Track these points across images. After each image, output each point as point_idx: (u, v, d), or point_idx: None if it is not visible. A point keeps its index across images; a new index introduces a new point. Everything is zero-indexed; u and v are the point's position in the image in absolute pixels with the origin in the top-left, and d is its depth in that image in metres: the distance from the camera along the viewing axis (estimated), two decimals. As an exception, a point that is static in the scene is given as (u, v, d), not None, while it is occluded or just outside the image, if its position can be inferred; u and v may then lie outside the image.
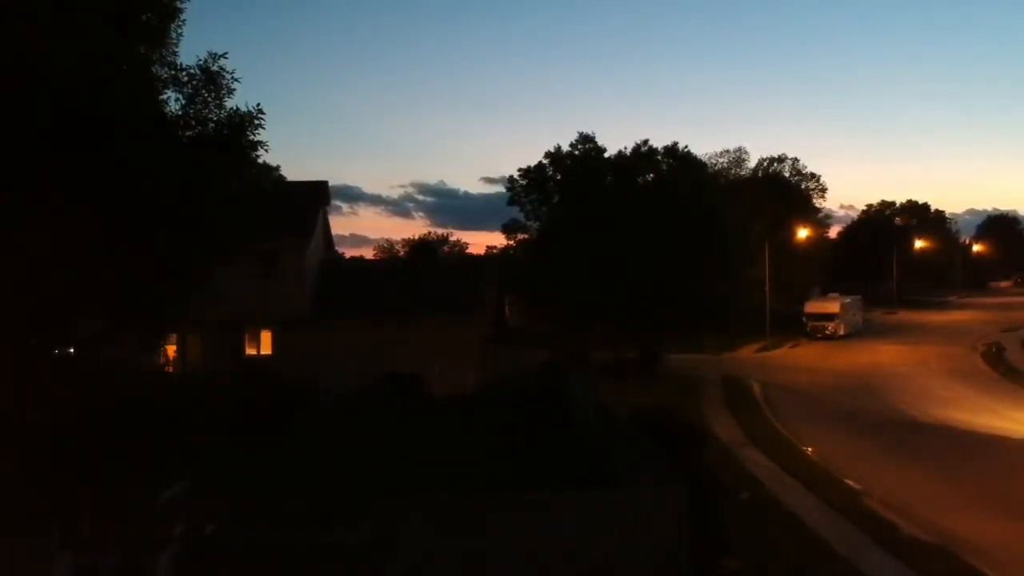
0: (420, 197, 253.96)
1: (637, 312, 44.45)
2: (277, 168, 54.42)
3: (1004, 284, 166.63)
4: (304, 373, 33.22)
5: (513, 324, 63.03)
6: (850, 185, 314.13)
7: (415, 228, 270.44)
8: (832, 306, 67.31)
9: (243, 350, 35.72)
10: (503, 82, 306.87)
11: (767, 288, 62.11)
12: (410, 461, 25.54)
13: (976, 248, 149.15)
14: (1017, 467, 26.82)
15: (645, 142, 48.19)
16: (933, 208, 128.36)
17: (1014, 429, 32.32)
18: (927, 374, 46.12)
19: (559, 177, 47.72)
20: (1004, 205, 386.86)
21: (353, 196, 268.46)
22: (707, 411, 35.37)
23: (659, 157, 48.73)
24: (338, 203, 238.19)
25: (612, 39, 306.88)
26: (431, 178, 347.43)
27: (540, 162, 47.47)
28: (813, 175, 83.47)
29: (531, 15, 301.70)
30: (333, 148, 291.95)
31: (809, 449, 29.29)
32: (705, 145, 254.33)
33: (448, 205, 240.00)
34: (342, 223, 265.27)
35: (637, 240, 43.47)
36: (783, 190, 76.20)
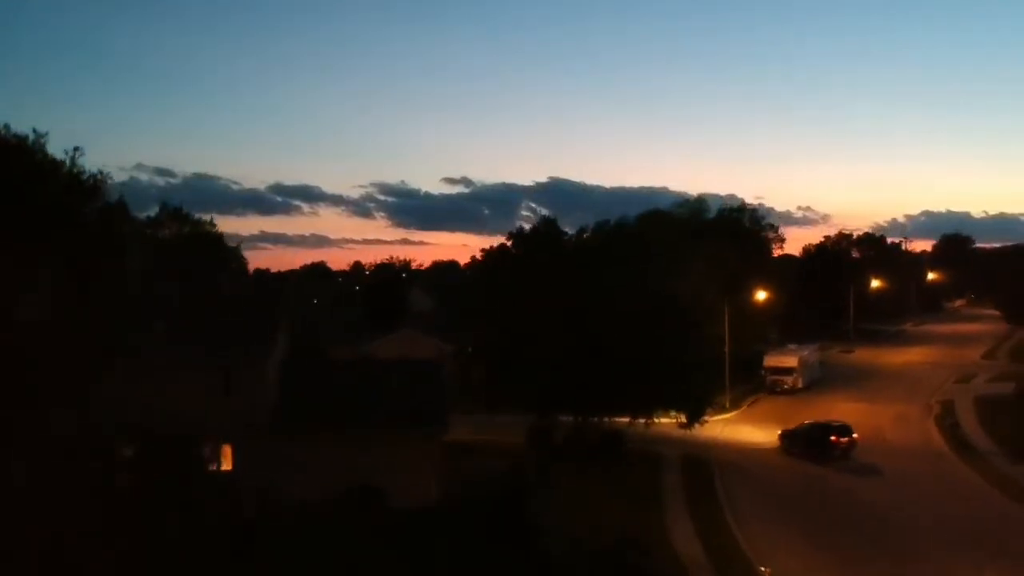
0: (381, 197, 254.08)
1: (599, 391, 44.92)
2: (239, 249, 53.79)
3: (958, 303, 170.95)
4: (266, 487, 33.10)
5: (475, 382, 62.74)
6: (807, 187, 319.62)
7: (376, 229, 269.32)
8: (790, 360, 68.33)
9: (204, 465, 35.49)
10: (465, 83, 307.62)
11: (726, 346, 62.24)
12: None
13: (931, 276, 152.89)
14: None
15: (607, 220, 49.00)
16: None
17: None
18: (882, 454, 46.86)
19: (520, 256, 48.10)
20: (957, 207, 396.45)
21: (313, 196, 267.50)
22: (667, 518, 35.90)
23: (621, 233, 49.44)
24: (298, 203, 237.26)
25: (576, 42, 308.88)
26: (392, 178, 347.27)
27: (503, 244, 47.96)
28: (772, 225, 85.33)
29: (494, 17, 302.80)
30: (294, 147, 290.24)
31: (767, 572, 29.87)
32: (674, 146, 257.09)
33: (409, 205, 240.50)
34: (302, 223, 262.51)
35: (598, 320, 44.03)
36: (742, 240, 77.11)
